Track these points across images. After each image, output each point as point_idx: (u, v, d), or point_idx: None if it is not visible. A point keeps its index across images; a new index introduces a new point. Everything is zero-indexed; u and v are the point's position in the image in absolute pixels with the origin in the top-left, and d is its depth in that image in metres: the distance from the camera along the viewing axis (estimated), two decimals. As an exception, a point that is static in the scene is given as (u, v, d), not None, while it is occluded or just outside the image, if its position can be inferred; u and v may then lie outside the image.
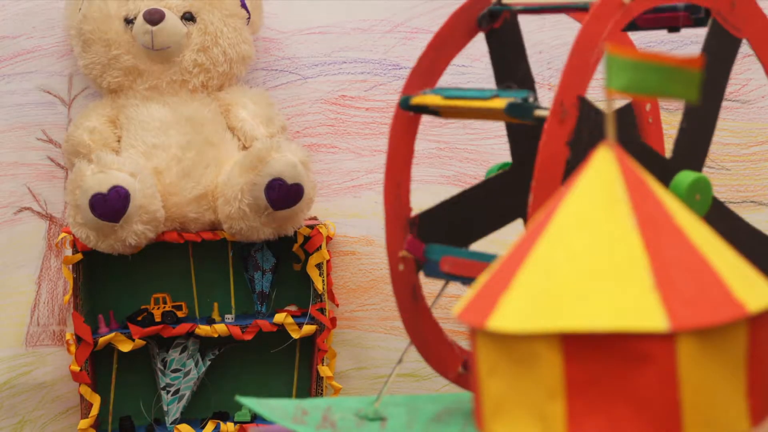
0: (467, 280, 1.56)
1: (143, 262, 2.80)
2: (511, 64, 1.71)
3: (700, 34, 2.96)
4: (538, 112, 1.46)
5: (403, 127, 1.65)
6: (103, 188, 2.61)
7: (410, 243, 1.61)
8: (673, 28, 1.62)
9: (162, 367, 2.81)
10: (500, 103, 1.48)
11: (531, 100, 1.48)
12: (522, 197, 1.53)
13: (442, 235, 1.66)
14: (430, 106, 1.58)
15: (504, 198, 1.67)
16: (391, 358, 2.90)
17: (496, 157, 2.80)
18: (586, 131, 1.45)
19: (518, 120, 1.55)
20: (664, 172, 1.53)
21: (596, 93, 1.59)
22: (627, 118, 1.72)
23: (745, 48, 2.90)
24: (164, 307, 2.80)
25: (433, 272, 1.59)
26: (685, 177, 1.53)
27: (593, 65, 1.45)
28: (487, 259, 1.55)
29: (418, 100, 1.57)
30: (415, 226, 1.64)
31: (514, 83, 1.69)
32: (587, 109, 1.45)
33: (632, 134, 1.69)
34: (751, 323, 0.92)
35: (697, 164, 1.58)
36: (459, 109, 1.55)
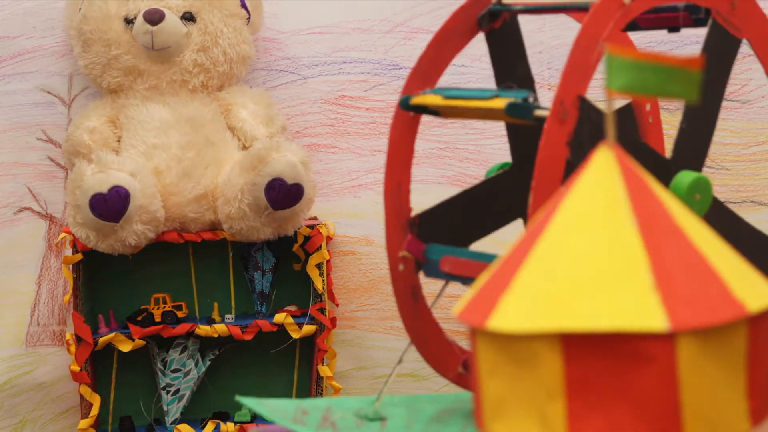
0: (467, 280, 1.56)
1: (143, 262, 2.80)
2: (510, 64, 1.70)
3: (700, 34, 2.96)
4: (538, 112, 1.46)
5: (403, 127, 1.65)
6: (103, 188, 2.61)
7: (410, 243, 1.61)
8: (673, 28, 1.61)
9: (162, 367, 2.81)
10: (500, 103, 1.48)
11: (531, 100, 1.48)
12: (522, 197, 1.53)
13: (443, 235, 1.66)
14: (430, 106, 1.58)
15: (504, 198, 1.67)
16: (391, 358, 2.90)
17: (496, 157, 2.80)
18: (586, 131, 1.45)
19: (518, 120, 1.55)
20: (664, 172, 1.53)
21: (596, 93, 1.59)
22: (627, 118, 1.72)
23: (745, 48, 2.90)
24: (164, 307, 2.80)
25: (433, 272, 1.59)
26: (685, 177, 1.53)
27: (593, 65, 1.45)
28: (487, 259, 1.55)
29: (418, 100, 1.57)
30: (416, 226, 1.64)
31: (513, 83, 1.69)
32: (587, 109, 1.45)
33: (632, 134, 1.68)
34: (751, 323, 0.92)
35: (697, 164, 1.58)
36: (459, 109, 1.55)
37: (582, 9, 1.53)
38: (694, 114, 1.57)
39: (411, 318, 1.65)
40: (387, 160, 1.65)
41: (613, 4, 1.45)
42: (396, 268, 1.63)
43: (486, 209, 1.67)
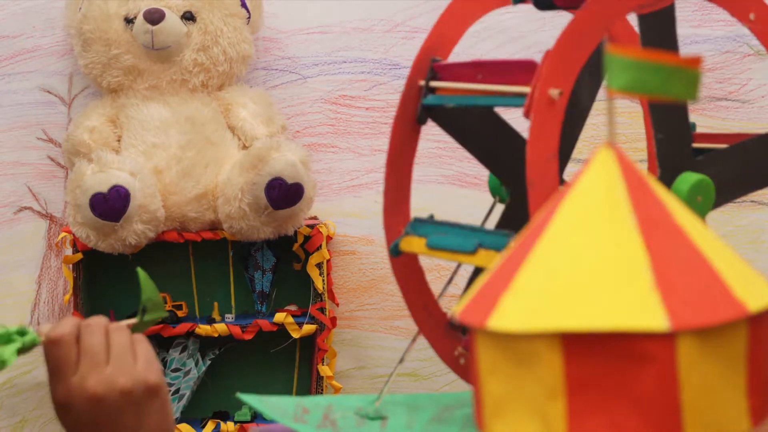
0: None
1: (143, 261, 2.80)
2: (470, 130, 1.70)
3: (700, 33, 2.97)
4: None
5: (402, 143, 1.65)
6: (104, 187, 2.61)
7: (466, 342, 1.62)
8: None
9: (162, 367, 2.81)
10: (485, 259, 1.47)
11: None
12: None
13: None
14: (416, 252, 1.58)
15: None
16: (391, 358, 2.90)
17: (496, 157, 2.80)
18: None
19: None
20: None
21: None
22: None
23: (745, 48, 2.90)
24: (164, 307, 2.80)
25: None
26: (687, 178, 1.53)
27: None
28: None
29: (405, 246, 1.58)
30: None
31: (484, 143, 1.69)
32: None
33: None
34: (751, 323, 0.92)
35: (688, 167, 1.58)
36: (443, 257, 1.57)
37: (515, 104, 1.52)
38: (664, 120, 1.56)
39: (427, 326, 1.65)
40: (386, 171, 1.65)
41: (542, 101, 1.44)
42: (397, 264, 1.63)
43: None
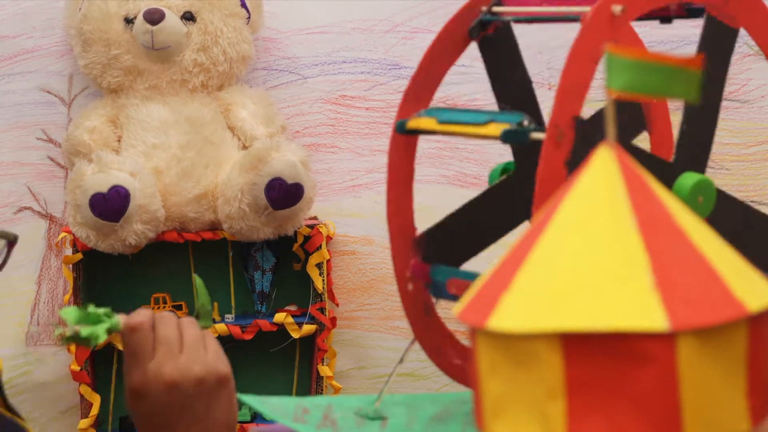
0: None
1: (143, 261, 2.80)
2: (506, 70, 1.70)
3: (699, 34, 2.96)
4: (534, 135, 1.46)
5: (402, 150, 1.65)
6: (103, 188, 2.61)
7: (415, 267, 1.61)
8: (665, 19, 1.61)
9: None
10: (495, 129, 1.47)
11: (526, 123, 1.47)
12: (527, 200, 1.53)
13: (450, 251, 1.65)
14: (425, 130, 1.58)
15: (508, 204, 1.67)
16: (391, 358, 2.90)
17: (497, 157, 2.80)
18: (584, 151, 1.45)
19: (516, 144, 1.55)
20: (666, 175, 1.52)
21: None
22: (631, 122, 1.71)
23: (744, 48, 2.90)
24: (164, 307, 2.80)
25: (441, 294, 1.59)
26: (688, 179, 1.53)
27: (587, 83, 1.45)
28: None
29: (413, 124, 1.57)
30: (421, 247, 1.64)
31: (512, 89, 1.68)
32: (584, 129, 1.45)
33: (628, 139, 1.68)
34: (751, 323, 0.92)
35: (699, 166, 1.58)
36: (454, 134, 1.55)
37: (574, 20, 1.53)
38: (694, 113, 1.56)
39: (425, 333, 1.65)
40: (388, 186, 1.64)
41: (602, 17, 1.44)
42: (405, 288, 1.63)
43: (491, 217, 1.67)
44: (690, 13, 1.58)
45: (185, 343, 1.19)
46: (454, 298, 1.56)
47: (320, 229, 2.79)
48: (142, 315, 1.20)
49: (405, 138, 1.62)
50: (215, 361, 1.21)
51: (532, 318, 0.90)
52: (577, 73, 1.45)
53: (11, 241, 1.24)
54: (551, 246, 0.93)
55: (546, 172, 1.41)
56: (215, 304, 2.87)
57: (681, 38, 2.89)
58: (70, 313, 1.18)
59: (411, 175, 1.67)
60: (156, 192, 2.69)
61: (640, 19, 1.54)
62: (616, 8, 1.43)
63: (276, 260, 2.84)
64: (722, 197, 1.57)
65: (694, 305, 0.89)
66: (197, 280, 1.29)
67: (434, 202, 2.91)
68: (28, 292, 2.89)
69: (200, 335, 1.21)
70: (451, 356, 1.63)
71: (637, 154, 1.51)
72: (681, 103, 1.50)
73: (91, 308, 1.18)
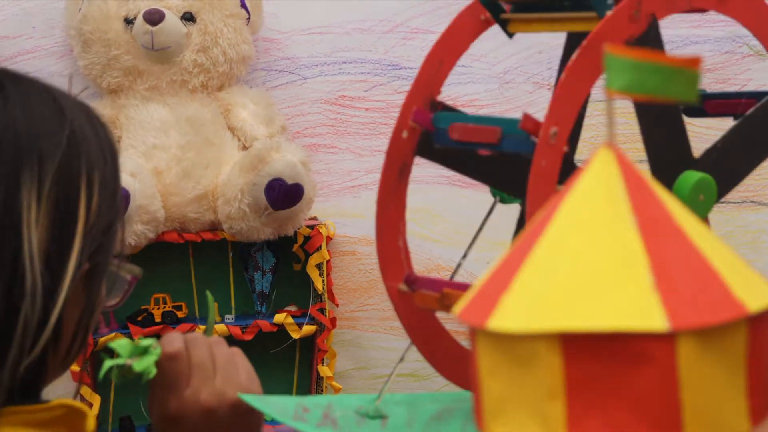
0: (475, 146, 1.57)
1: (143, 262, 2.79)
2: None
3: (700, 34, 2.96)
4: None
5: (392, 189, 1.66)
6: (103, 188, 2.61)
7: (416, 113, 1.60)
8: (738, 116, 1.64)
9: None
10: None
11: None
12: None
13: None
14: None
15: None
16: (391, 358, 2.90)
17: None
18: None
19: None
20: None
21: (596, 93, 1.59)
22: None
23: (745, 48, 2.90)
24: (164, 308, 2.80)
25: (444, 140, 1.59)
26: (689, 177, 1.54)
27: (582, 97, 1.46)
28: (493, 123, 1.56)
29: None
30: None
31: None
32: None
33: None
34: (751, 323, 0.92)
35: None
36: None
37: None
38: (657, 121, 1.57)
39: (423, 338, 1.65)
40: (377, 225, 1.64)
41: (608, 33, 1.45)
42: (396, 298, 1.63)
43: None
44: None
45: (217, 366, 1.18)
46: (456, 143, 1.56)
47: (320, 230, 2.79)
48: (177, 341, 1.18)
49: (395, 181, 1.63)
50: (248, 382, 1.19)
51: (532, 318, 0.90)
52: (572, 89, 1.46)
53: (135, 276, 1.23)
54: (551, 246, 0.93)
55: (537, 186, 1.43)
56: (215, 304, 2.87)
57: (681, 38, 2.90)
58: (124, 346, 1.15)
59: (403, 213, 1.66)
60: (156, 192, 2.69)
61: (715, 114, 1.57)
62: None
63: (276, 261, 2.84)
64: None
65: (694, 305, 0.89)
66: (209, 297, 1.28)
67: (434, 203, 2.91)
68: (28, 292, 2.89)
69: (231, 355, 1.19)
70: (450, 359, 1.64)
71: None
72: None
73: (140, 340, 1.16)
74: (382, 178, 1.62)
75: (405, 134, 1.62)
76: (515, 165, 1.57)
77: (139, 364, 1.14)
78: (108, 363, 1.14)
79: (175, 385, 1.16)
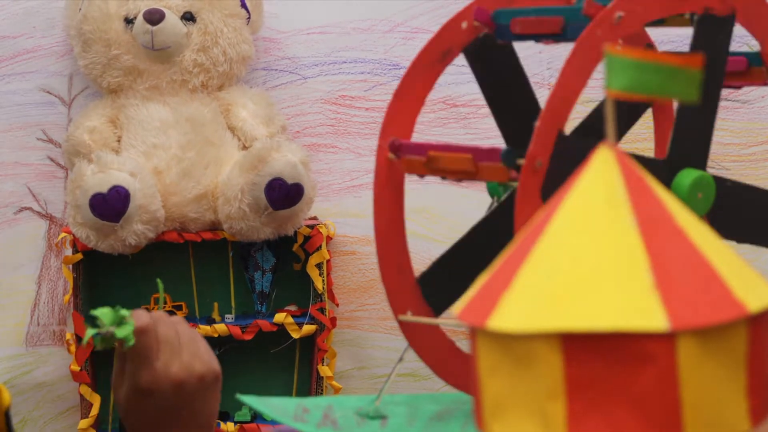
0: (538, 38, 1.57)
1: (143, 262, 2.80)
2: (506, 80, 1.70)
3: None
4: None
5: (428, 66, 1.64)
6: (103, 188, 2.61)
7: (477, 12, 1.60)
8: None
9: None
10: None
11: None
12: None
13: (450, 293, 1.64)
14: None
15: (502, 235, 1.65)
16: (391, 358, 2.90)
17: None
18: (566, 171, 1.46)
19: None
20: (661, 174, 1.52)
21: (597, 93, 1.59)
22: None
23: (744, 48, 2.89)
24: (164, 308, 2.80)
25: (506, 35, 1.59)
26: (687, 175, 1.53)
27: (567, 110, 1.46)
28: (556, 13, 1.56)
29: None
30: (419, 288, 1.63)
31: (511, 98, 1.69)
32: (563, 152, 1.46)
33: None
34: (751, 323, 0.92)
35: (698, 163, 1.58)
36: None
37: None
38: (689, 110, 1.56)
39: (431, 352, 1.64)
40: (376, 238, 1.64)
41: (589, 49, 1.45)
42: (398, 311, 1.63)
43: (485, 252, 1.66)
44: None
45: (182, 341, 1.26)
46: (519, 37, 1.56)
47: (320, 230, 2.79)
48: (145, 316, 1.26)
49: (392, 185, 1.62)
50: (209, 358, 1.27)
51: (532, 318, 0.90)
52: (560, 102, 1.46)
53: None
54: (551, 246, 0.93)
55: (524, 207, 1.43)
56: (215, 304, 2.87)
57: (681, 38, 2.89)
58: (106, 314, 1.23)
59: (402, 219, 1.65)
60: (156, 192, 2.69)
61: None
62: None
63: (276, 260, 2.84)
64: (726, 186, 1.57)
65: (694, 305, 0.89)
66: (160, 284, 1.37)
67: (434, 203, 2.91)
68: (28, 292, 2.89)
69: (192, 332, 1.27)
70: (451, 363, 1.63)
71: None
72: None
73: (119, 309, 1.23)
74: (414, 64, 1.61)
75: (464, 25, 1.61)
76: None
77: (120, 332, 1.22)
78: (90, 331, 1.23)
79: (146, 358, 1.24)
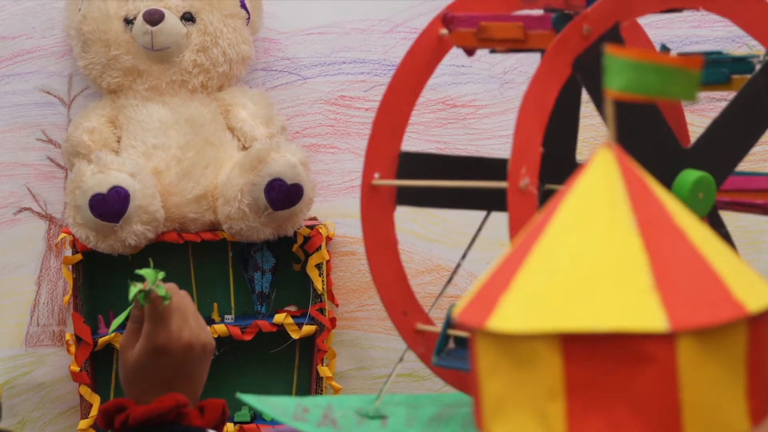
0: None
1: (143, 262, 2.79)
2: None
3: (700, 34, 2.97)
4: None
5: (379, 213, 1.65)
6: (103, 188, 2.61)
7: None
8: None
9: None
10: None
11: None
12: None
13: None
14: None
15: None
16: (391, 358, 2.90)
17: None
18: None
19: None
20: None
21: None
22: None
23: (744, 48, 2.90)
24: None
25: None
26: (688, 175, 1.54)
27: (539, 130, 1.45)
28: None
29: None
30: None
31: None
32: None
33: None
34: (751, 323, 0.92)
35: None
36: None
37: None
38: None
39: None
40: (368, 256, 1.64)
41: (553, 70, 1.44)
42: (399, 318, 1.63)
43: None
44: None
45: (190, 313, 1.42)
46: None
47: (320, 230, 2.79)
48: (167, 284, 1.42)
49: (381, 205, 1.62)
50: (207, 331, 1.43)
51: (532, 318, 0.90)
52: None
53: None
54: (551, 246, 0.93)
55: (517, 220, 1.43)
56: (215, 304, 2.87)
57: (681, 38, 2.89)
58: (150, 274, 1.41)
59: (394, 239, 1.65)
60: (156, 193, 2.69)
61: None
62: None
63: (276, 261, 2.84)
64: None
65: (694, 305, 0.89)
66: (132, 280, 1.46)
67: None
68: (27, 292, 2.89)
69: (194, 305, 1.43)
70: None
71: None
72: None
73: (159, 270, 1.40)
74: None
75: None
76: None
77: (161, 289, 1.39)
78: (134, 288, 1.41)
79: (164, 320, 1.39)
